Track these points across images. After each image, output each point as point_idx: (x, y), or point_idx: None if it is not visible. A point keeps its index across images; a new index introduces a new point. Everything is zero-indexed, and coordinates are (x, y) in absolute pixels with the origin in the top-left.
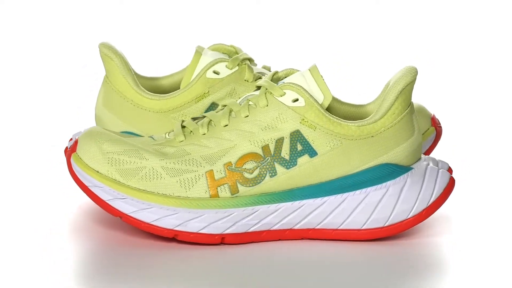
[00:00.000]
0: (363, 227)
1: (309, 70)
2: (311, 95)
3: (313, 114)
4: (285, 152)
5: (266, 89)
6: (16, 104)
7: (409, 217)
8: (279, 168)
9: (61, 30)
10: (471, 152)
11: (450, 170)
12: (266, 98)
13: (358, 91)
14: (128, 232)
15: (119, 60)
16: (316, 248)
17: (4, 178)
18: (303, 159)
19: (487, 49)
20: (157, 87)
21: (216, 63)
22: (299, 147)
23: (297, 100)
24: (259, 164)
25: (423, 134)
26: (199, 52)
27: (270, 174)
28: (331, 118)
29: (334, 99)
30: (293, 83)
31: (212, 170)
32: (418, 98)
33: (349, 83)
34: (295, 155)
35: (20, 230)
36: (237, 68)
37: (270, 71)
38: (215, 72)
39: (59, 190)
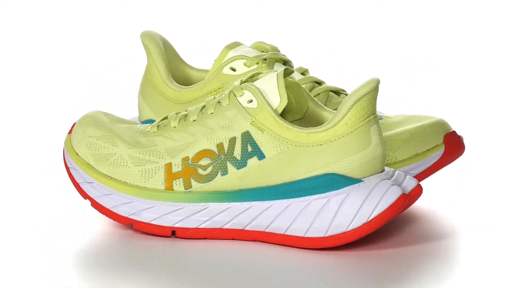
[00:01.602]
0: (306, 235)
1: (277, 73)
2: (264, 98)
3: (263, 117)
4: (237, 152)
5: (232, 88)
6: (16, 104)
7: (348, 230)
8: (230, 167)
9: (61, 30)
10: (470, 153)
11: (416, 188)
12: (229, 97)
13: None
14: (129, 231)
15: (153, 49)
16: (266, 250)
17: (4, 178)
18: (252, 161)
19: (487, 49)
20: (190, 77)
21: (234, 60)
22: (249, 149)
23: (251, 101)
24: (213, 162)
25: (429, 149)
26: (228, 47)
27: (222, 173)
28: (281, 122)
29: (317, 104)
30: (252, 84)
31: (171, 163)
32: (425, 103)
33: (349, 83)
34: (246, 156)
35: (20, 230)
36: (255, 66)
37: (304, 74)
38: (232, 69)
39: (59, 190)
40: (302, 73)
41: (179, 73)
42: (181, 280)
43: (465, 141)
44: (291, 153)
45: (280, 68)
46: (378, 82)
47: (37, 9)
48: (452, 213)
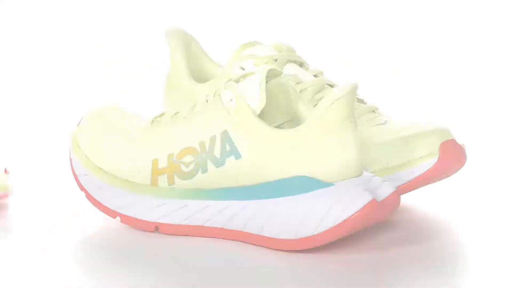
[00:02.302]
0: (277, 237)
1: (261, 74)
2: (243, 97)
3: (240, 116)
4: (217, 151)
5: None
6: (17, 104)
7: (315, 233)
8: (210, 165)
9: (61, 29)
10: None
11: (392, 196)
12: (214, 96)
13: (358, 91)
14: (129, 230)
15: (176, 45)
16: (245, 250)
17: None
18: (230, 160)
19: (488, 49)
20: (211, 74)
21: (244, 59)
22: (228, 147)
23: (231, 100)
24: (195, 159)
25: (422, 157)
26: (244, 45)
27: (202, 170)
28: (257, 122)
29: (306, 106)
30: (234, 83)
31: (158, 158)
32: (425, 104)
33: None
34: (224, 154)
35: (20, 230)
36: (264, 66)
37: (317, 76)
38: (241, 68)
39: (59, 190)
40: (314, 75)
41: (202, 70)
42: (184, 280)
43: (466, 144)
44: (265, 153)
45: (290, 69)
46: (353, 87)
47: (37, 9)
48: (451, 213)
